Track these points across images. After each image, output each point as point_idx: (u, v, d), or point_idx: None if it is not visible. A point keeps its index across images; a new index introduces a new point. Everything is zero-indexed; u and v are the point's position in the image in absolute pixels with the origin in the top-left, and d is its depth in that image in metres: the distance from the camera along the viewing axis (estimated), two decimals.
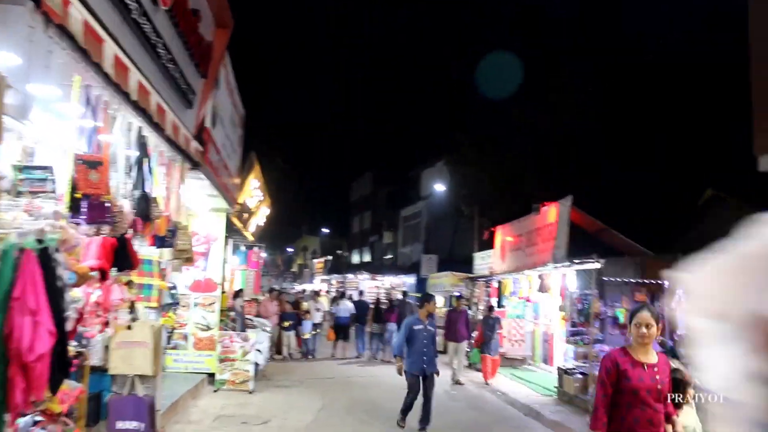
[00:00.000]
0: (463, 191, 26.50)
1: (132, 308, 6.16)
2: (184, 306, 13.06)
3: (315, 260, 66.61)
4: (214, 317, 13.17)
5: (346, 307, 20.90)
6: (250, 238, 21.85)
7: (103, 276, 5.48)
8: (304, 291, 30.69)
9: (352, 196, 61.24)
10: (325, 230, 65.52)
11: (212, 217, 13.36)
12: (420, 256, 35.23)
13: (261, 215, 21.54)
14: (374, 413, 11.22)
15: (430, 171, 40.75)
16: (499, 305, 19.17)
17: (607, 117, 22.23)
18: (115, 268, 5.66)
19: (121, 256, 5.56)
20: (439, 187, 30.28)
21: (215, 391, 12.33)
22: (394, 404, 12.03)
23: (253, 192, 17.13)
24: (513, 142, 24.21)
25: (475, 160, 25.73)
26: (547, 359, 16.74)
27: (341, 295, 25.40)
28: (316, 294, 21.74)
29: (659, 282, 13.22)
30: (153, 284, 8.20)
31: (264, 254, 69.06)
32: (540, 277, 16.00)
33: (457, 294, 19.21)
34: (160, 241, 7.08)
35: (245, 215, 17.51)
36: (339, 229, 63.11)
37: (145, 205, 5.78)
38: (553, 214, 16.35)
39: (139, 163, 6.06)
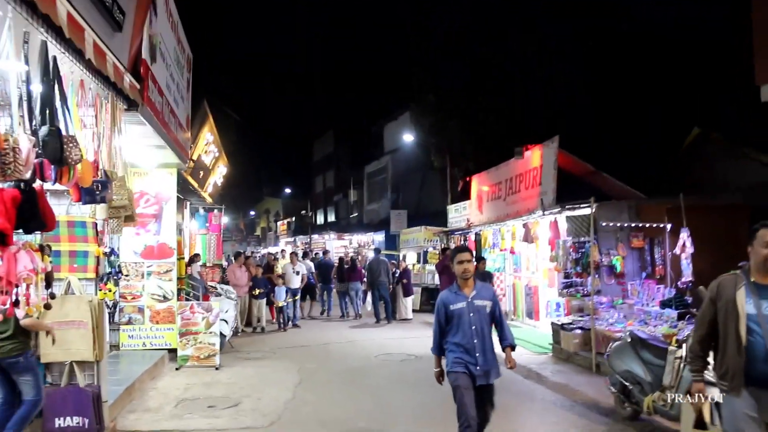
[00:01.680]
0: (432, 141, 25.10)
1: (49, 282, 4.73)
2: (136, 276, 11.64)
3: (278, 222, 64.99)
4: (171, 286, 11.76)
5: (308, 267, 20.06)
6: (209, 199, 20.33)
7: (3, 240, 4.05)
8: (282, 252, 28.33)
9: (315, 155, 59.60)
10: (288, 191, 63.73)
11: (162, 174, 11.83)
12: (388, 213, 34.07)
13: (218, 174, 19.98)
14: (359, 385, 10.02)
15: (393, 124, 39.51)
16: (478, 259, 18.03)
17: (590, 55, 20.95)
18: (22, 230, 4.23)
19: (28, 213, 4.12)
20: (408, 138, 28.84)
21: (177, 368, 10.97)
22: (378, 371, 10.90)
23: (208, 148, 15.55)
24: (483, 86, 22.80)
25: (441, 107, 24.31)
26: (532, 314, 15.72)
27: (304, 255, 24.47)
28: (292, 255, 19.11)
29: (658, 226, 12.18)
30: (88, 251, 6.75)
31: (226, 219, 67.57)
32: (525, 226, 14.83)
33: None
34: (87, 196, 5.63)
35: (201, 173, 15.97)
36: (302, 189, 61.52)
37: (56, 145, 4.31)
38: (537, 157, 15.18)
39: (49, 93, 4.58)
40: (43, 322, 6.12)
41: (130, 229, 11.56)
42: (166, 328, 11.60)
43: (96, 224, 6.74)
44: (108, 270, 6.76)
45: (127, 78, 6.66)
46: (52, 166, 4.40)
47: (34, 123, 4.35)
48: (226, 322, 12.75)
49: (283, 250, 29.75)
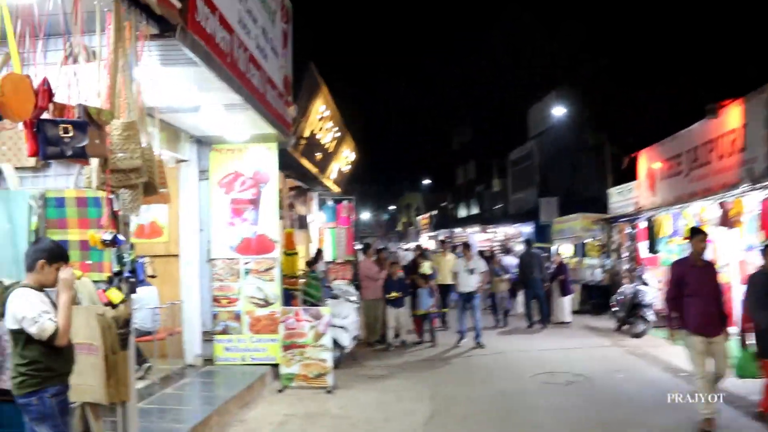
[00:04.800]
0: (586, 116, 21.68)
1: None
2: (231, 275, 9.53)
3: (419, 217, 62.87)
4: (273, 288, 9.55)
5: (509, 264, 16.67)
6: (335, 188, 18.24)
7: None
8: (421, 248, 21.43)
9: (454, 145, 56.96)
10: (427, 182, 61.39)
11: (258, 150, 9.66)
12: (536, 201, 30.78)
13: (343, 159, 17.79)
14: (514, 422, 7.29)
15: (538, 106, 36.03)
16: (652, 250, 14.66)
17: None
18: None
19: None
20: (558, 112, 25.44)
21: (280, 390, 8.72)
22: (538, 400, 8.07)
23: (324, 125, 13.28)
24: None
25: (599, 77, 20.87)
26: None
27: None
28: (465, 248, 13.87)
29: None
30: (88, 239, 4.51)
31: (366, 215, 66.48)
32: (721, 206, 11.36)
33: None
34: (47, 145, 3.37)
35: (318, 155, 13.75)
36: (442, 182, 58.94)
37: None
38: (736, 115, 11.68)
39: None
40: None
41: (221, 218, 9.53)
42: (269, 338, 9.40)
43: (111, 201, 4.49)
44: (116, 268, 4.51)
45: None
46: None
47: None
48: (345, 330, 10.42)
49: (418, 245, 27.08)
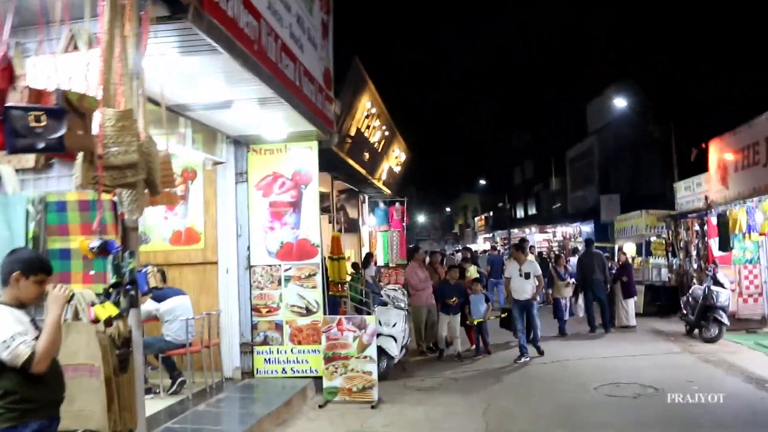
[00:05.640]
0: (650, 107, 20.59)
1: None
2: (272, 283, 9.04)
3: (476, 218, 61.89)
4: (315, 295, 9.02)
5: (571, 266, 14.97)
6: (386, 190, 17.70)
7: None
8: (468, 250, 20.67)
9: (511, 145, 55.87)
10: (483, 182, 60.27)
11: (298, 150, 9.14)
12: (596, 199, 29.66)
13: (393, 159, 17.23)
14: None
15: (597, 101, 34.88)
16: (723, 248, 13.62)
17: None
18: None
19: None
20: (620, 103, 24.30)
21: (321, 405, 8.15)
22: (603, 416, 7.29)
23: (371, 122, 12.74)
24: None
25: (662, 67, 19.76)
26: None
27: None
28: (516, 248, 12.21)
29: None
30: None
31: (422, 217, 65.82)
32: None
33: None
34: (14, 137, 2.86)
35: (366, 154, 13.21)
36: (499, 182, 57.81)
37: None
38: None
39: None
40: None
41: (260, 222, 9.06)
42: (311, 350, 8.88)
43: (115, 204, 3.99)
44: (114, 280, 3.99)
45: None
46: None
47: None
48: (393, 339, 9.81)
49: (465, 247, 26.11)
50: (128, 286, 4.00)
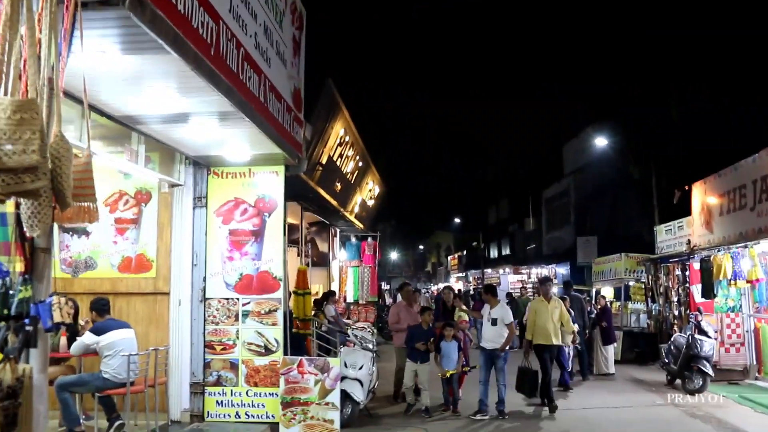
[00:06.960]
0: (631, 147, 20.31)
1: None
2: (228, 318, 8.25)
3: (449, 257, 61.30)
4: (275, 333, 8.23)
5: None
6: (358, 224, 17.00)
7: None
8: (451, 289, 17.59)
9: (486, 184, 55.79)
10: (457, 220, 59.89)
11: (263, 175, 8.45)
12: (572, 241, 29.26)
13: (367, 192, 16.58)
14: None
15: (574, 143, 34.81)
16: (707, 295, 13.10)
17: None
18: None
19: None
20: (600, 142, 23.99)
21: None
22: None
23: (344, 151, 12.08)
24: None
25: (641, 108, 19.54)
26: None
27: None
28: (486, 291, 10.78)
29: None
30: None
31: (395, 254, 65.10)
32: None
33: None
34: None
35: (337, 185, 12.52)
36: (473, 221, 57.40)
37: None
38: None
39: None
40: None
41: (218, 251, 8.30)
42: (268, 392, 8.07)
43: (19, 216, 3.23)
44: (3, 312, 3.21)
45: None
46: None
47: None
48: (359, 382, 8.99)
49: (448, 286, 25.39)
50: (26, 320, 3.21)
